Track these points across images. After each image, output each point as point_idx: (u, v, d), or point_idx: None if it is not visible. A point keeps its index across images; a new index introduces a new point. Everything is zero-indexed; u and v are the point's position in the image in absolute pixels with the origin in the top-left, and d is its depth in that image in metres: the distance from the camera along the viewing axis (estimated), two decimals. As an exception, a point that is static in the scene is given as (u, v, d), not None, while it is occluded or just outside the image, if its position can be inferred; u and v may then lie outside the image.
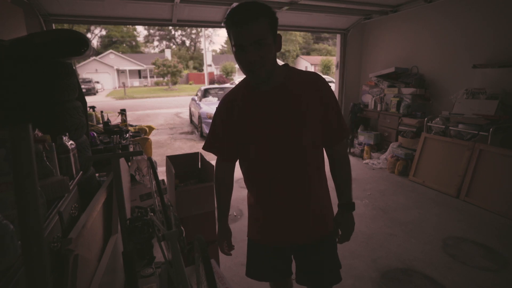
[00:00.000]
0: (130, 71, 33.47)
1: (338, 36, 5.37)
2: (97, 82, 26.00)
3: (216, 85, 14.29)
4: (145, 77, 34.90)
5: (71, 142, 1.54)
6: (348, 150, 1.21)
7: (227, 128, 1.09)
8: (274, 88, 1.01)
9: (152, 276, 1.76)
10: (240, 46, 0.90)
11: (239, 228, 2.74)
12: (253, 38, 0.87)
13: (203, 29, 31.27)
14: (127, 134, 2.91)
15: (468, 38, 3.62)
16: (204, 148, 1.17)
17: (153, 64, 26.83)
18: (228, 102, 1.09)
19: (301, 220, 1.08)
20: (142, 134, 3.36)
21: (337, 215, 1.16)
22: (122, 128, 3.02)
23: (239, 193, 3.61)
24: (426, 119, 3.85)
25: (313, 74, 1.04)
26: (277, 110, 1.00)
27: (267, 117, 1.01)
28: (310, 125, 1.00)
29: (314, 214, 1.09)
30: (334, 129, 1.04)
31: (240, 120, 1.05)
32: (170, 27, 44.87)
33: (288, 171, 1.03)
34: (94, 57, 28.61)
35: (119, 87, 30.19)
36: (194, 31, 49.60)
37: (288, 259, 1.22)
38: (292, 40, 42.84)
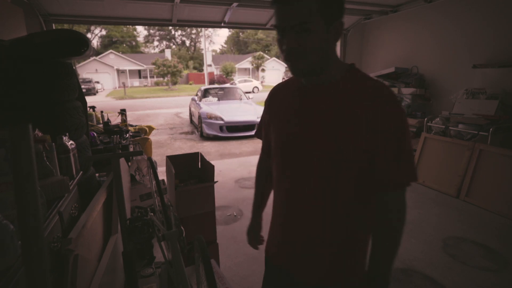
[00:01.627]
0: (130, 71, 33.48)
1: (338, 36, 5.36)
2: (97, 82, 26.01)
3: (216, 85, 14.31)
4: (145, 77, 34.91)
5: (71, 142, 1.54)
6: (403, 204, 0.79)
7: (265, 116, 0.98)
8: (318, 87, 0.81)
9: (152, 276, 1.76)
10: (280, 29, 0.74)
11: (239, 228, 2.74)
12: (294, 20, 0.70)
13: (203, 29, 31.30)
14: (127, 134, 2.91)
15: (468, 38, 3.62)
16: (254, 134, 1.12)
17: (153, 64, 26.85)
18: (276, 87, 0.97)
19: (312, 256, 0.85)
20: (142, 134, 3.36)
21: None
22: (122, 128, 3.02)
23: (239, 193, 3.61)
24: (426, 119, 3.85)
25: (379, 87, 0.75)
26: (310, 116, 0.80)
27: (295, 125, 0.83)
28: (343, 150, 0.75)
29: (330, 255, 0.83)
30: (383, 170, 0.74)
31: (275, 117, 0.92)
32: (170, 27, 44.90)
33: (306, 194, 0.82)
34: (94, 57, 28.63)
35: (119, 87, 30.19)
36: (194, 31, 49.66)
37: None
38: (292, 40, 42.79)
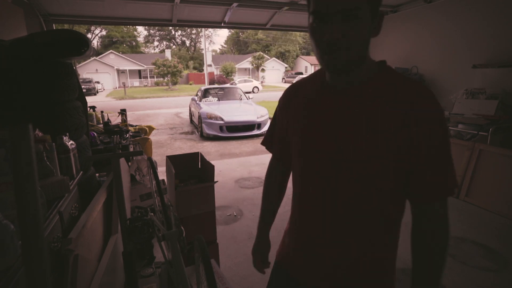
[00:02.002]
0: (130, 71, 33.49)
1: (338, 36, 5.36)
2: (97, 82, 26.01)
3: (216, 85, 14.31)
4: (145, 77, 34.92)
5: (71, 142, 1.54)
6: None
7: (279, 120, 0.89)
8: (348, 87, 0.71)
9: (152, 276, 1.76)
10: (319, 15, 0.63)
11: (239, 228, 2.74)
12: (342, 4, 0.60)
13: (203, 29, 31.30)
14: (127, 134, 2.91)
15: (468, 38, 3.62)
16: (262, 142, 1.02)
17: (153, 64, 26.85)
18: (295, 86, 0.87)
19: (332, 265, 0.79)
20: (142, 134, 3.36)
21: None
22: (122, 128, 3.02)
23: (239, 193, 3.61)
24: (426, 119, 3.84)
25: (414, 87, 0.67)
26: (339, 120, 0.71)
27: (325, 126, 0.73)
28: (371, 157, 0.67)
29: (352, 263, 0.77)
30: (423, 180, 0.68)
31: (294, 119, 0.81)
32: (170, 27, 44.93)
33: (334, 204, 0.75)
34: (94, 57, 28.66)
35: (119, 87, 30.22)
36: (194, 31, 49.69)
37: None
38: (292, 40, 42.86)
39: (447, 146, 0.67)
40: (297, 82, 0.87)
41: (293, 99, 0.84)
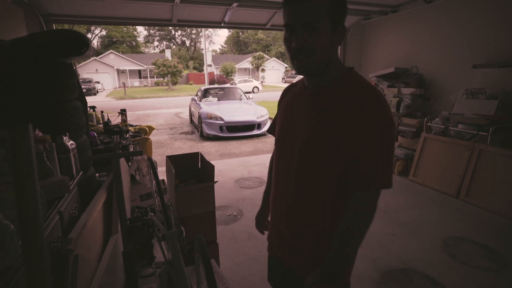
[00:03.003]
0: (130, 71, 33.49)
1: (338, 36, 5.36)
2: (97, 82, 26.00)
3: (216, 85, 14.31)
4: (145, 77, 34.92)
5: (71, 142, 1.54)
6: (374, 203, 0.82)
7: (277, 112, 1.06)
8: (317, 88, 0.86)
9: (152, 276, 1.76)
10: (288, 27, 0.78)
11: (239, 228, 2.74)
12: (304, 18, 0.75)
13: (203, 29, 31.30)
14: (127, 134, 2.91)
15: (468, 38, 3.62)
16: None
17: (153, 64, 26.84)
18: (288, 87, 1.06)
19: (286, 238, 0.97)
20: (142, 134, 3.36)
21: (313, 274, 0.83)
22: (122, 128, 3.02)
23: (239, 193, 3.61)
24: (426, 119, 3.85)
25: (364, 91, 0.79)
26: (302, 116, 0.88)
27: (292, 120, 0.92)
28: (321, 147, 0.82)
29: (304, 241, 0.92)
30: (358, 170, 0.78)
31: (281, 113, 1.01)
32: (170, 28, 44.93)
33: (288, 186, 0.92)
34: (94, 57, 28.65)
35: (119, 87, 30.21)
36: (194, 31, 49.67)
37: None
38: (292, 40, 42.80)
39: (384, 146, 0.77)
40: (291, 83, 1.05)
41: (285, 97, 1.03)
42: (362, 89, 0.80)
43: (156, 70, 26.97)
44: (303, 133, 0.86)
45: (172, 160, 2.31)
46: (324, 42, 0.77)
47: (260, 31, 35.62)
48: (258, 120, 7.45)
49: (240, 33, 47.24)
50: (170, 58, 30.50)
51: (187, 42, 52.68)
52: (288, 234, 0.96)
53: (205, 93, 8.99)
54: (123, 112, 3.42)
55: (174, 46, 50.28)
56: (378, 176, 0.77)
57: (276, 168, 1.00)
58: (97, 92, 24.37)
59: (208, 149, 6.36)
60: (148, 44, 49.98)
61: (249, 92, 13.66)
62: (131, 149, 2.64)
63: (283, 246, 0.99)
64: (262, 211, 1.25)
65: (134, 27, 41.75)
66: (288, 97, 1.00)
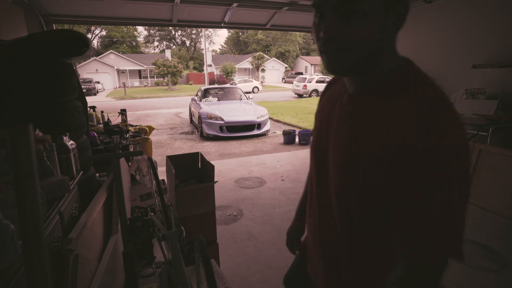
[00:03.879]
0: (130, 71, 33.48)
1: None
2: (98, 82, 25.99)
3: (216, 85, 14.31)
4: (145, 77, 34.91)
5: (71, 142, 1.54)
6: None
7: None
8: (358, 95, 0.61)
9: (152, 276, 1.76)
10: (315, 7, 0.56)
11: (239, 228, 2.74)
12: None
13: (203, 29, 31.29)
14: (127, 134, 2.92)
15: (468, 38, 3.62)
16: None
17: (153, 64, 26.83)
18: (330, 82, 0.80)
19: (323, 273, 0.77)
20: (142, 134, 3.36)
21: None
22: (122, 128, 3.02)
23: (239, 193, 3.61)
24: (426, 119, 3.84)
25: (436, 104, 0.51)
26: (335, 128, 0.65)
27: (327, 130, 0.68)
28: (366, 183, 0.57)
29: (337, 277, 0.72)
30: (403, 230, 0.52)
31: (317, 114, 0.77)
32: (170, 28, 44.93)
33: (326, 217, 0.70)
34: (94, 57, 28.65)
35: (119, 87, 30.21)
36: (194, 32, 49.68)
37: None
38: (292, 40, 42.85)
39: (454, 189, 0.47)
40: (335, 77, 0.78)
41: (325, 94, 0.79)
42: (431, 100, 0.51)
43: (156, 70, 26.96)
44: (336, 156, 0.63)
45: (172, 160, 2.31)
46: (368, 31, 0.52)
47: (260, 31, 35.63)
48: (258, 120, 7.45)
49: (240, 33, 47.25)
50: (170, 58, 30.48)
51: (187, 42, 52.71)
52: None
53: (205, 93, 8.99)
54: (123, 112, 3.42)
55: (174, 46, 50.30)
56: (445, 240, 0.49)
57: (313, 201, 0.76)
58: (97, 92, 24.36)
59: (208, 149, 6.36)
60: (148, 44, 50.01)
61: (249, 92, 13.68)
62: (131, 149, 2.64)
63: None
64: (295, 226, 1.04)
65: (134, 27, 41.75)
66: (328, 96, 0.74)
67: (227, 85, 14.14)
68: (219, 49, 56.13)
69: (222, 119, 7.15)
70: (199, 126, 7.56)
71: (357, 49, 0.54)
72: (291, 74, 33.62)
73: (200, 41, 50.09)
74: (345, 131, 0.61)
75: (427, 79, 0.56)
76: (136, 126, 3.59)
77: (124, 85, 23.59)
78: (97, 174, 2.30)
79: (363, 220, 0.61)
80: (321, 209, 0.72)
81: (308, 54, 42.85)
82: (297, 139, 6.63)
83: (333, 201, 0.66)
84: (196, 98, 9.20)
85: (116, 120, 3.68)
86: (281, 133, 7.10)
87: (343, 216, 0.65)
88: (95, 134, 2.58)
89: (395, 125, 0.52)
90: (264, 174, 4.31)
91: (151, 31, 48.54)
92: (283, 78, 35.22)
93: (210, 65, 34.68)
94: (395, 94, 0.55)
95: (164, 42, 51.38)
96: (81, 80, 21.80)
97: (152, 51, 48.23)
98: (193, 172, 2.50)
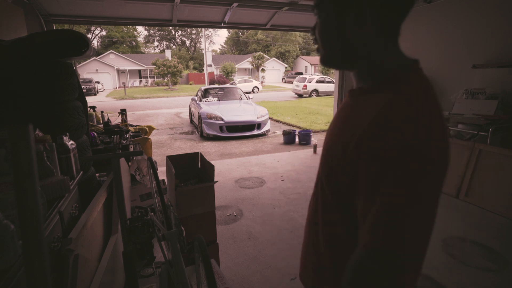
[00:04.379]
0: (130, 71, 33.49)
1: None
2: (98, 82, 26.00)
3: (216, 85, 14.32)
4: (145, 77, 34.91)
5: (71, 142, 1.54)
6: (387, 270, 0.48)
7: None
8: (356, 93, 0.64)
9: (152, 276, 1.76)
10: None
11: (239, 228, 2.75)
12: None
13: (203, 29, 31.29)
14: (127, 134, 2.92)
15: (468, 38, 3.62)
16: None
17: (153, 64, 26.83)
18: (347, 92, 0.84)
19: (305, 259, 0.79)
20: (142, 134, 3.36)
21: None
22: (122, 128, 3.02)
23: (239, 193, 3.61)
24: (426, 119, 3.84)
25: (402, 100, 0.52)
26: (336, 120, 0.68)
27: (330, 129, 0.71)
28: (332, 174, 0.61)
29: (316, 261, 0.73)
30: (361, 216, 0.53)
31: None
32: (170, 28, 44.94)
33: (314, 202, 0.73)
34: (94, 57, 28.66)
35: (119, 87, 30.22)
36: (194, 32, 49.67)
37: None
38: (292, 40, 42.86)
39: (400, 187, 0.47)
40: None
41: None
42: (400, 99, 0.52)
43: (156, 70, 26.97)
44: (328, 150, 0.66)
45: (172, 160, 2.31)
46: (327, 30, 0.59)
47: (260, 31, 35.62)
48: (258, 120, 7.45)
49: (240, 33, 47.25)
50: (170, 58, 30.48)
51: (187, 42, 52.70)
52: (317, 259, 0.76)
53: (205, 93, 9.00)
54: (123, 112, 3.42)
55: (174, 46, 50.29)
56: (384, 236, 0.49)
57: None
58: (97, 92, 24.36)
59: (208, 149, 6.36)
60: (148, 44, 50.00)
61: (249, 92, 13.68)
62: (131, 149, 2.64)
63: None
64: None
65: (134, 27, 41.76)
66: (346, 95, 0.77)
67: (227, 85, 14.15)
68: (219, 49, 56.14)
69: (222, 119, 7.15)
70: (199, 126, 7.56)
71: (325, 48, 0.61)
72: (291, 74, 33.63)
73: (200, 41, 50.11)
74: (337, 120, 0.67)
75: (419, 82, 0.57)
76: (136, 126, 3.59)
77: (124, 85, 23.60)
78: (97, 174, 2.30)
79: (337, 204, 0.63)
80: (313, 194, 0.76)
81: (308, 54, 42.84)
82: (297, 139, 6.63)
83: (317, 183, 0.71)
84: (196, 98, 9.20)
85: (116, 120, 3.68)
86: (281, 133, 7.10)
87: (320, 197, 0.68)
88: (95, 134, 2.58)
89: (365, 117, 0.54)
90: (264, 174, 4.31)
91: (151, 31, 48.54)
92: (283, 78, 35.23)
93: (210, 65, 34.68)
94: (381, 91, 0.57)
95: (164, 42, 51.39)
96: (81, 80, 21.81)
97: (152, 51, 48.24)
98: (193, 172, 2.50)
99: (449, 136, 0.52)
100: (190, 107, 9.69)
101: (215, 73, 33.67)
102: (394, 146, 0.47)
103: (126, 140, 2.77)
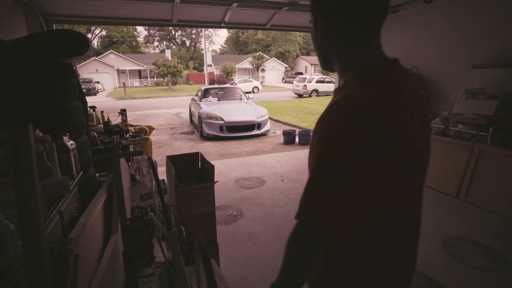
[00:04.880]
0: (130, 71, 33.49)
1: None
2: (98, 82, 25.99)
3: (216, 85, 14.32)
4: (145, 77, 34.91)
5: (71, 142, 1.54)
6: (299, 237, 0.62)
7: None
8: (338, 87, 0.72)
9: (152, 276, 1.76)
10: None
11: (239, 228, 2.75)
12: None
13: (203, 29, 31.29)
14: (127, 134, 2.92)
15: (468, 38, 3.62)
16: None
17: (153, 64, 26.83)
18: None
19: None
20: (142, 134, 3.36)
21: None
22: (122, 128, 3.02)
23: (239, 193, 3.61)
24: (426, 119, 3.84)
25: (345, 96, 0.62)
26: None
27: None
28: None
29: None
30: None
31: None
32: (170, 28, 44.94)
33: None
34: (94, 57, 28.66)
35: (119, 87, 30.22)
36: (194, 32, 49.66)
37: None
38: (292, 40, 42.85)
39: (319, 168, 0.57)
40: None
41: None
42: (343, 96, 0.62)
43: (156, 70, 26.96)
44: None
45: (172, 160, 2.31)
46: (315, 40, 0.72)
47: (260, 31, 35.62)
48: (258, 120, 7.45)
49: (240, 33, 47.24)
50: (170, 58, 30.47)
51: (187, 42, 52.69)
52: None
53: (205, 93, 8.99)
54: (123, 112, 3.42)
55: (174, 46, 50.27)
56: (302, 207, 0.59)
57: None
58: (97, 92, 24.36)
59: (208, 149, 6.36)
60: (148, 44, 49.98)
61: (249, 92, 13.68)
62: (131, 149, 2.64)
63: None
64: None
65: (134, 27, 41.75)
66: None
67: (227, 85, 14.14)
68: (219, 49, 56.12)
69: (222, 119, 7.15)
70: (199, 126, 7.56)
71: (317, 53, 0.75)
72: (291, 74, 33.63)
73: (200, 41, 50.11)
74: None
75: (376, 80, 0.63)
76: (136, 126, 3.59)
77: (124, 85, 23.59)
78: (97, 174, 2.30)
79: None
80: None
81: (308, 54, 42.83)
82: (297, 139, 6.63)
83: None
84: (196, 98, 9.20)
85: (116, 120, 3.68)
86: (281, 133, 7.10)
87: None
88: (95, 134, 2.58)
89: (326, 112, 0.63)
90: (264, 174, 4.31)
91: (151, 31, 48.54)
92: (283, 78, 35.22)
93: (210, 65, 34.68)
94: (343, 88, 0.66)
95: (164, 42, 51.37)
96: (81, 80, 21.81)
97: (152, 51, 48.23)
98: (193, 172, 2.50)
99: (398, 131, 0.58)
100: (190, 107, 9.69)
101: (215, 73, 33.67)
102: (324, 130, 0.58)
103: (126, 140, 2.77)
